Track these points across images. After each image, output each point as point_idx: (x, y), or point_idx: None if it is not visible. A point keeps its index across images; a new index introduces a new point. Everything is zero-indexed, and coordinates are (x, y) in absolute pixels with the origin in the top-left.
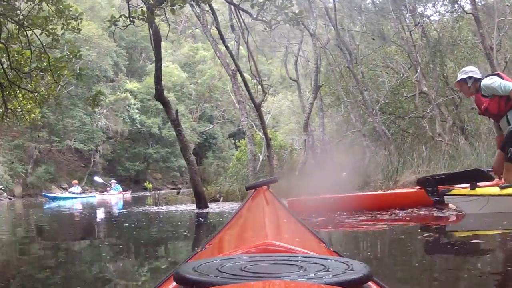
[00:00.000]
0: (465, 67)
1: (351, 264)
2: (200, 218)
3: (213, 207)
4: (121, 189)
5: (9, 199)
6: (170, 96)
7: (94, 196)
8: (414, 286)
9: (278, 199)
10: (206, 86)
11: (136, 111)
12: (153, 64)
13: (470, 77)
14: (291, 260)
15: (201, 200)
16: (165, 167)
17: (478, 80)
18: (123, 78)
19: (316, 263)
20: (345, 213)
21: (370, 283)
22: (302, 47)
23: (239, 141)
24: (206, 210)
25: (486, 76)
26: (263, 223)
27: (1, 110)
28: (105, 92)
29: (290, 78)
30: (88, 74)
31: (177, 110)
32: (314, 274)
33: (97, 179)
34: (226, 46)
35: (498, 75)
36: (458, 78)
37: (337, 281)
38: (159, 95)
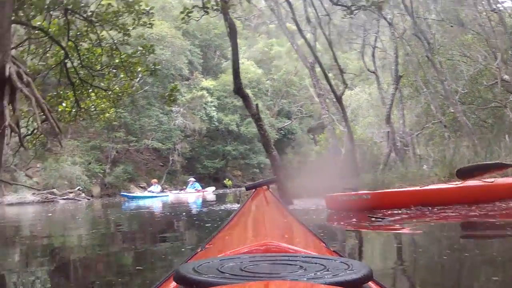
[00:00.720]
0: None
1: (351, 264)
2: None
3: (297, 204)
4: (199, 187)
5: (87, 199)
6: (248, 93)
7: (167, 195)
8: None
9: (278, 199)
10: (283, 81)
11: (214, 108)
12: (228, 62)
13: None
14: (291, 260)
15: (284, 196)
16: (244, 164)
17: None
18: (199, 76)
19: (316, 263)
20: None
21: (370, 283)
22: (378, 37)
23: (318, 136)
24: (290, 207)
25: None
26: (263, 223)
27: (74, 110)
28: (181, 91)
29: (368, 69)
30: (163, 73)
31: (257, 104)
32: (314, 274)
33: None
34: (304, 38)
35: None
36: None
37: (337, 281)
38: (238, 89)
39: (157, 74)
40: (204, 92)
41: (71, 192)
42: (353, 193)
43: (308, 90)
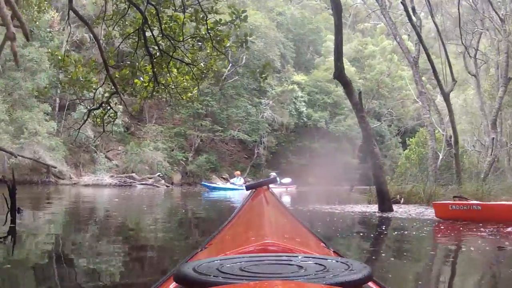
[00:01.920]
0: None
1: (351, 264)
2: (383, 227)
3: (398, 211)
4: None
5: (167, 186)
6: (339, 90)
7: (243, 188)
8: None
9: (278, 199)
10: (375, 81)
11: (303, 104)
12: (321, 58)
13: None
14: (291, 260)
15: (385, 201)
16: (330, 163)
17: None
18: (290, 70)
19: (316, 263)
20: None
21: (370, 283)
22: (489, 34)
23: (409, 139)
24: (390, 214)
25: None
26: (263, 223)
27: (151, 85)
28: (272, 83)
29: (469, 72)
30: (254, 64)
31: (360, 92)
32: (314, 274)
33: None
34: (413, 25)
35: None
36: None
37: (337, 281)
38: (339, 74)
39: (248, 47)
40: (295, 86)
41: (150, 178)
42: (463, 202)
43: (400, 93)
